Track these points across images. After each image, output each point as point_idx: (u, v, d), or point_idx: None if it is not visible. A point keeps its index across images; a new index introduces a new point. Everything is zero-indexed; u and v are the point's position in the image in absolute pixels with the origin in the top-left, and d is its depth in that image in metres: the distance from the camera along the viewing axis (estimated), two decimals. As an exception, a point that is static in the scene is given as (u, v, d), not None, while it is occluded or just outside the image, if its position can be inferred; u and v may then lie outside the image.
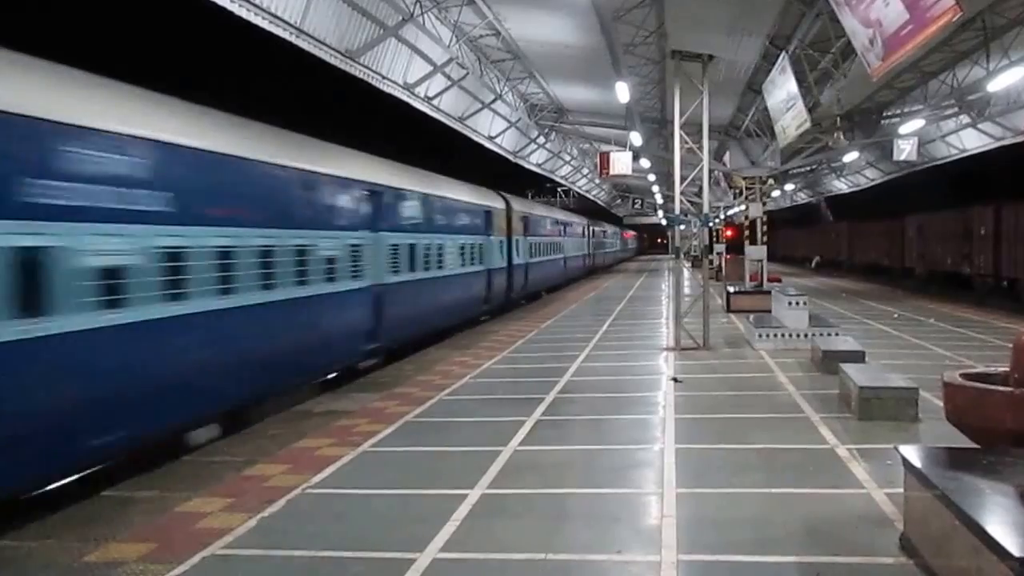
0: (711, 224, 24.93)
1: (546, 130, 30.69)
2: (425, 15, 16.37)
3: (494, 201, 25.57)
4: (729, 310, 22.73)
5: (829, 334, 14.78)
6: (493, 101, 23.76)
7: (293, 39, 13.67)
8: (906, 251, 39.24)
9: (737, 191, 30.45)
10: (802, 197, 56.80)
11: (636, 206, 75.51)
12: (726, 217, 41.17)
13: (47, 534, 6.83)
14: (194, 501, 7.07)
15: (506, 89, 23.99)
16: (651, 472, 7.58)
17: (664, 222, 65.61)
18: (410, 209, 17.27)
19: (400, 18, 15.70)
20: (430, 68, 18.79)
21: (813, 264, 40.52)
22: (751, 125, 25.58)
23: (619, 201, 74.83)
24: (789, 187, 45.36)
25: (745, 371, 13.22)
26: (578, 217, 48.18)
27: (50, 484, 7.76)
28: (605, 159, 24.12)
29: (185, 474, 8.48)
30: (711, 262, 27.74)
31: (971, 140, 27.78)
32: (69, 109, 7.77)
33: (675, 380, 12.17)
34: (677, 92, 16.19)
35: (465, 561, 5.63)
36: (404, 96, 18.97)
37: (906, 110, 23.83)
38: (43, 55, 7.95)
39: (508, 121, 26.94)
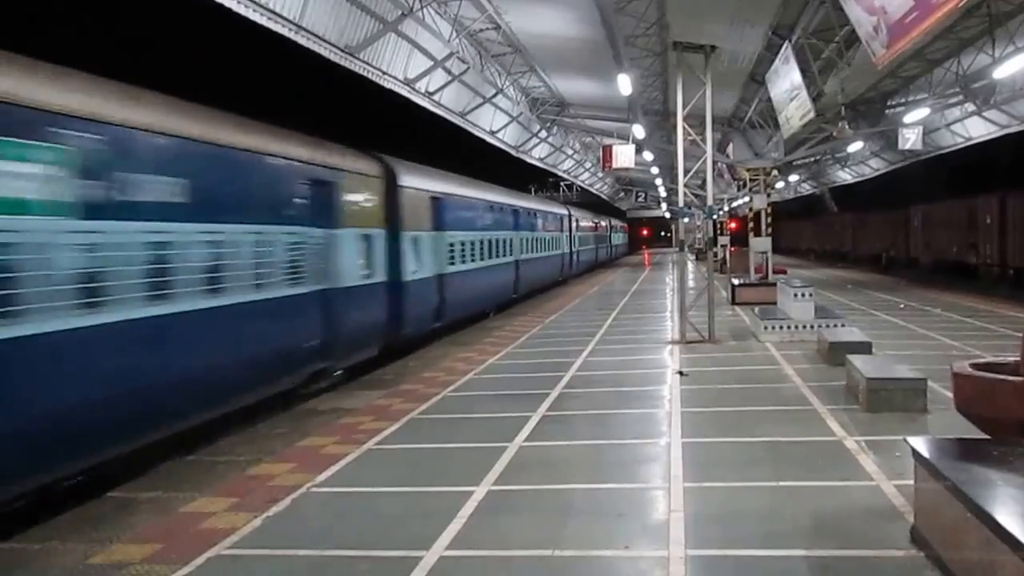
0: (715, 216, 24.83)
1: (548, 124, 30.62)
2: (425, 9, 16.29)
3: (562, 210, 40.24)
4: (734, 303, 22.60)
5: (835, 325, 14.67)
6: (494, 95, 23.68)
7: (292, 35, 13.62)
8: (911, 241, 39.07)
9: (741, 183, 30.34)
10: (806, 188, 56.65)
11: (639, 199, 75.52)
12: (730, 209, 41.02)
13: (52, 536, 6.81)
14: (199, 501, 7.06)
15: (507, 83, 23.91)
16: (658, 467, 7.52)
17: (668, 215, 65.52)
18: (529, 218, 30.15)
19: (399, 13, 15.62)
20: (430, 63, 18.71)
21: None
22: (754, 116, 25.50)
23: (622, 194, 74.69)
24: (793, 178, 45.21)
25: (751, 364, 13.14)
26: (603, 217, 59.82)
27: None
28: (608, 152, 24.10)
29: (190, 474, 8.47)
30: (715, 254, 27.64)
31: (976, 128, 27.62)
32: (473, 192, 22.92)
33: (681, 374, 12.11)
34: (679, 84, 16.08)
35: (472, 558, 5.60)
36: (405, 92, 18.91)
37: (911, 99, 23.72)
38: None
39: (509, 115, 26.85)
